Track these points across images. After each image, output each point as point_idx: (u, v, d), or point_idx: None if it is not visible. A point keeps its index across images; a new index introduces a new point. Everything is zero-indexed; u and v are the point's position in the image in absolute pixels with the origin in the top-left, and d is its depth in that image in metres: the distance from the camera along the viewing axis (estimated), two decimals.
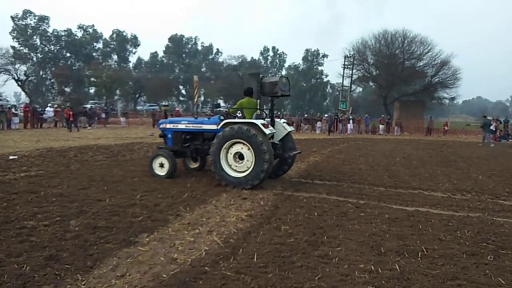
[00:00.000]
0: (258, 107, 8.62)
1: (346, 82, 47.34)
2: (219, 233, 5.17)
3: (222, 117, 8.85)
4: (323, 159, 13.98)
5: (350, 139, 26.76)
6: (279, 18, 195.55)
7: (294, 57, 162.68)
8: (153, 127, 33.82)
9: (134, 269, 4.00)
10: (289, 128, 9.13)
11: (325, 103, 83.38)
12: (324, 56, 79.47)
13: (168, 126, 9.64)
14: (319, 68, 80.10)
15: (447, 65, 47.28)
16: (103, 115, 36.93)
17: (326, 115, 39.17)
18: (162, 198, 6.98)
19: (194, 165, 10.51)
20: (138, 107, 69.13)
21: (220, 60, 77.93)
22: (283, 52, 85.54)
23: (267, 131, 8.05)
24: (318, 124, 35.96)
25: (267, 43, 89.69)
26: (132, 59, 76.92)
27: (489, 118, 27.36)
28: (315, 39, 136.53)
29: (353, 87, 57.62)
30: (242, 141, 7.98)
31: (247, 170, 8.02)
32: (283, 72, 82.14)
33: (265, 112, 9.13)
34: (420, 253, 4.47)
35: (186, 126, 9.34)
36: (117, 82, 60.41)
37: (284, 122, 9.16)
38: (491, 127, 29.96)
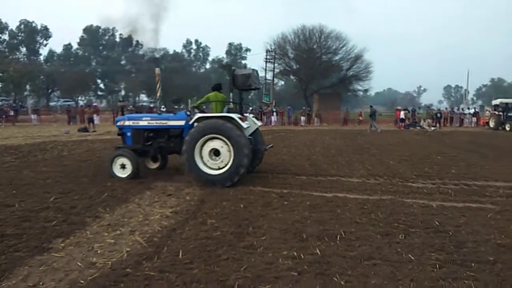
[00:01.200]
0: (231, 101, 8.51)
1: (269, 75, 48.45)
2: (142, 233, 4.98)
3: (188, 113, 8.61)
4: None
5: (274, 131, 27.42)
6: (202, 12, 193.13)
7: (218, 51, 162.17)
8: (68, 124, 31.61)
9: (48, 277, 3.70)
10: (258, 123, 9.04)
11: (249, 96, 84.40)
12: (247, 50, 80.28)
13: (127, 123, 8.94)
14: (243, 62, 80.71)
15: (360, 59, 50.45)
16: (12, 113, 33.68)
17: (251, 108, 39.71)
18: (79, 200, 6.55)
19: (154, 165, 9.79)
20: (52, 103, 64.02)
21: (141, 52, 74.92)
22: (206, 46, 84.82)
23: (244, 125, 7.94)
24: None
25: (190, 36, 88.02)
26: (43, 51, 70.89)
27: (374, 108, 29.63)
28: (238, 33, 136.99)
29: (276, 80, 59.11)
30: (218, 136, 7.67)
31: (224, 166, 7.74)
32: (207, 66, 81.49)
33: (238, 106, 8.84)
34: (338, 236, 4.72)
35: (149, 123, 8.75)
36: (27, 77, 55.41)
37: (253, 117, 8.99)
38: (401, 116, 32.72)
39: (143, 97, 73.77)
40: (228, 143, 7.65)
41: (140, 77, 63.40)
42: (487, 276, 3.64)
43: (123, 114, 9.75)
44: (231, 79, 8.36)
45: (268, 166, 10.32)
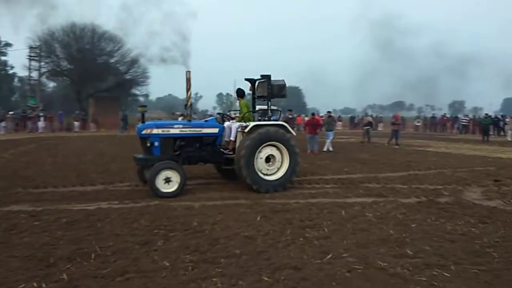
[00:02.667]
0: (270, 109, 8.54)
1: (36, 75, 42.28)
2: None
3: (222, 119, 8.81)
4: (3, 163, 11.91)
5: (41, 138, 24.05)
6: None
7: None
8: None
9: None
10: None
11: (13, 98, 71.75)
12: (8, 45, 67.91)
13: (155, 131, 7.83)
14: (2, 58, 67.87)
15: (137, 63, 49.83)
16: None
17: (12, 112, 33.81)
18: None
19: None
20: None
21: None
22: None
23: (293, 132, 8.58)
24: (3, 123, 30.24)
25: None
26: None
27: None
28: None
29: (46, 81, 52.33)
30: (275, 143, 8.00)
31: (277, 172, 8.08)
32: None
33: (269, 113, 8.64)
34: (93, 254, 4.31)
35: (181, 131, 8.03)
36: None
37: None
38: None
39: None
40: (284, 150, 8.05)
41: None
42: (232, 269, 3.95)
43: (143, 122, 8.41)
44: (269, 89, 8.31)
45: (23, 180, 8.85)
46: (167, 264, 4.07)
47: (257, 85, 8.93)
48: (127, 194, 7.61)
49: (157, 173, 7.27)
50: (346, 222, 5.67)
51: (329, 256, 4.28)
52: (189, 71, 8.18)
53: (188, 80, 8.14)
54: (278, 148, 8.13)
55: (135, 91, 53.41)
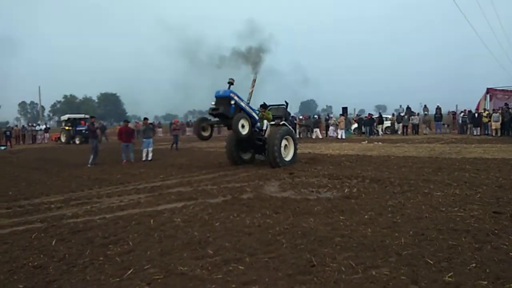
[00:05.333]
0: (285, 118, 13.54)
1: None
2: None
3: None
4: None
5: None
6: None
7: None
8: None
9: None
10: None
11: None
12: None
13: None
14: None
15: None
16: None
17: None
18: None
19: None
20: None
21: None
22: None
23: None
24: None
25: None
26: None
27: None
28: None
29: None
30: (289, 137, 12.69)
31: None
32: None
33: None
34: None
35: None
36: None
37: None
38: None
39: None
40: (292, 142, 12.79)
41: None
42: None
43: None
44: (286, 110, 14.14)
45: None
46: None
47: (269, 107, 13.32)
48: None
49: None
50: (153, 232, 5.56)
51: (129, 272, 4.10)
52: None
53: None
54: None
55: None
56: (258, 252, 4.57)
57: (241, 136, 11.58)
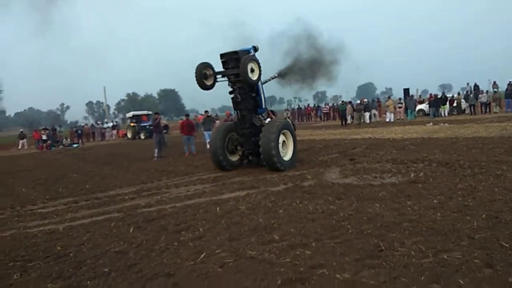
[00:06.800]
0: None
1: None
2: None
3: None
4: None
5: None
6: None
7: None
8: None
9: None
10: None
11: None
12: None
13: None
14: None
15: None
16: None
17: None
18: None
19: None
20: None
21: None
22: None
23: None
24: None
25: None
26: None
27: None
28: None
29: None
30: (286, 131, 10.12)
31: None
32: None
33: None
34: None
35: None
36: None
37: None
38: (43, 137, 30.33)
39: None
40: (291, 137, 10.27)
41: None
42: None
43: None
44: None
45: None
46: None
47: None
48: None
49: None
50: (220, 219, 5.80)
51: (202, 256, 4.34)
52: None
53: None
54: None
55: None
56: (324, 238, 4.61)
57: (251, 82, 9.84)
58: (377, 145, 13.12)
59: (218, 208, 6.41)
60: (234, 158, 10.88)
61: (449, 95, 29.47)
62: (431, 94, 28.42)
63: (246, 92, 10.34)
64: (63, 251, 4.92)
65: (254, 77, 9.85)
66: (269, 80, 11.49)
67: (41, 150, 29.04)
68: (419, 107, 28.35)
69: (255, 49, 10.53)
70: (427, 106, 27.19)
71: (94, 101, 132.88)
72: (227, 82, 10.57)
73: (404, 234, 4.47)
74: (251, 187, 7.99)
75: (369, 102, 29.02)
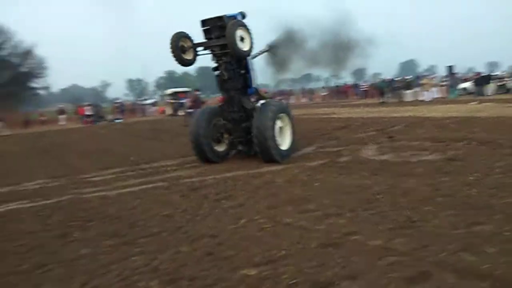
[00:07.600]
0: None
1: None
2: None
3: None
4: None
5: None
6: None
7: None
8: None
9: None
10: None
11: None
12: None
13: None
14: None
15: (30, 55, 45.58)
16: None
17: None
18: None
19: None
20: None
21: None
22: None
23: None
24: None
25: None
26: None
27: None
28: None
29: None
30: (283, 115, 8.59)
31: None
32: None
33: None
34: (7, 254, 4.24)
35: None
36: None
37: None
38: (86, 112, 31.87)
39: None
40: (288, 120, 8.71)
41: None
42: (151, 246, 4.16)
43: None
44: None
45: None
46: (86, 251, 4.15)
47: None
48: (37, 193, 7.29)
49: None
50: (258, 190, 6.12)
51: (243, 221, 4.68)
52: None
53: None
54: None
55: (34, 84, 48.93)
56: (358, 209, 4.81)
57: (241, 53, 8.08)
58: (417, 123, 12.93)
59: (256, 181, 6.73)
60: (221, 148, 9.05)
61: (495, 73, 28.11)
62: (476, 72, 27.25)
63: (234, 68, 8.53)
64: (117, 213, 5.43)
65: (245, 47, 8.07)
66: (259, 54, 9.65)
67: (86, 124, 30.62)
68: (462, 85, 27.29)
69: (243, 16, 8.59)
70: (472, 84, 26.14)
71: (134, 78, 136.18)
72: (210, 56, 8.79)
73: (437, 207, 4.60)
74: (287, 161, 8.24)
75: (411, 79, 28.26)
